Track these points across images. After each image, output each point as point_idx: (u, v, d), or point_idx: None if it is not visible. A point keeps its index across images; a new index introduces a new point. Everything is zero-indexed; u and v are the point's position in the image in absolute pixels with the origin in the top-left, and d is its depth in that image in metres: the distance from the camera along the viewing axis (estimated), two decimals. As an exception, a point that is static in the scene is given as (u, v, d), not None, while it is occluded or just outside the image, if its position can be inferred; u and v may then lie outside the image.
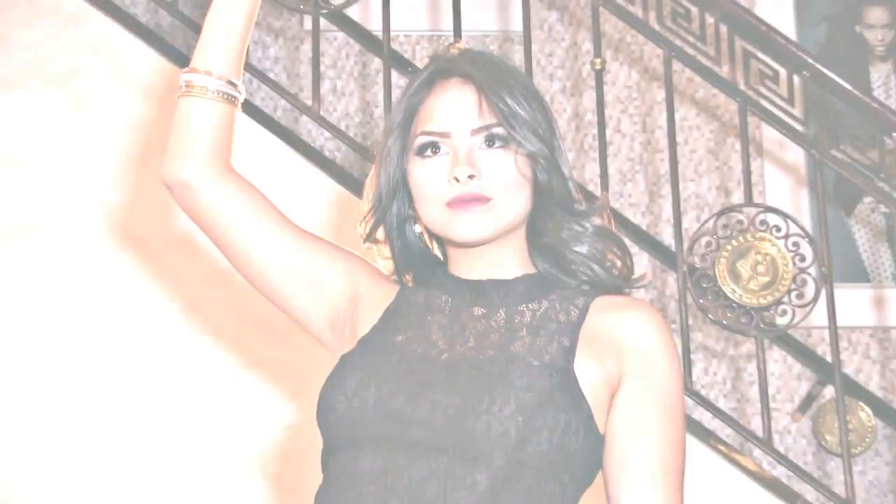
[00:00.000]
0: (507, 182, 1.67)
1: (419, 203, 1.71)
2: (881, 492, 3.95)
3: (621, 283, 1.73)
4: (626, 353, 1.63)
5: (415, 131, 1.72)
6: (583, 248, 1.72)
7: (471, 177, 1.65)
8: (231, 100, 1.76)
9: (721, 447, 3.04)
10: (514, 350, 1.62)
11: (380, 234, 1.79)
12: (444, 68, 1.74)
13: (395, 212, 1.77)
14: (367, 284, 1.79)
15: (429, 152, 1.70)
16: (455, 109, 1.70)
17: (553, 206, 1.72)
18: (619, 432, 1.60)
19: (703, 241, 3.09)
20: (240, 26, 1.79)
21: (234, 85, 1.77)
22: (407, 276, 1.80)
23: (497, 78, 1.70)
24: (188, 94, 1.75)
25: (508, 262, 1.73)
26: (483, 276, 1.72)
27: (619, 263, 1.74)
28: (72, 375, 3.10)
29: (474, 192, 1.65)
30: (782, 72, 3.16)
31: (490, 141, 1.68)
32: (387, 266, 1.82)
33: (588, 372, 1.60)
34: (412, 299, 1.75)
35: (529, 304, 1.69)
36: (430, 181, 1.69)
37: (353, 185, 3.10)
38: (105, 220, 3.19)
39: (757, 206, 3.13)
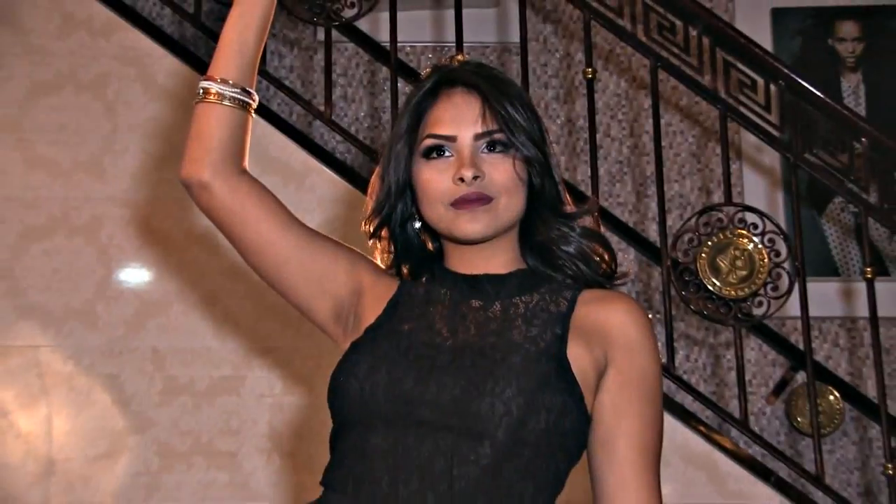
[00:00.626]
0: (506, 184, 1.70)
1: (424, 202, 1.73)
2: (848, 469, 3.94)
3: (604, 280, 1.75)
4: (611, 342, 1.65)
5: (422, 135, 1.73)
6: (570, 248, 1.74)
7: (475, 178, 1.67)
8: (245, 106, 1.76)
9: (701, 427, 3.04)
10: (513, 338, 1.63)
11: (384, 231, 1.80)
12: (448, 78, 1.76)
13: (399, 211, 1.78)
14: (369, 279, 1.79)
15: (434, 154, 1.71)
16: (460, 116, 1.71)
17: (544, 208, 1.75)
18: (603, 414, 1.62)
19: (686, 237, 3.08)
20: (254, 39, 1.79)
21: (248, 93, 1.76)
22: (404, 270, 1.82)
23: (498, 88, 1.72)
24: (205, 101, 1.74)
25: (502, 258, 1.75)
26: (479, 270, 1.74)
27: (606, 258, 1.75)
28: (104, 357, 3.10)
29: (478, 191, 1.68)
30: (760, 81, 3.15)
31: (492, 146, 1.70)
32: (384, 259, 1.84)
33: (579, 358, 1.62)
34: (413, 292, 1.76)
35: (522, 297, 1.70)
36: (435, 181, 1.70)
37: (362, 183, 3.10)
38: (132, 216, 3.18)
39: (736, 205, 3.13)
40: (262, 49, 1.82)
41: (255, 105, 1.78)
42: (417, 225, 1.80)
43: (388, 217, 1.78)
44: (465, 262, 1.76)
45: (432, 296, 1.74)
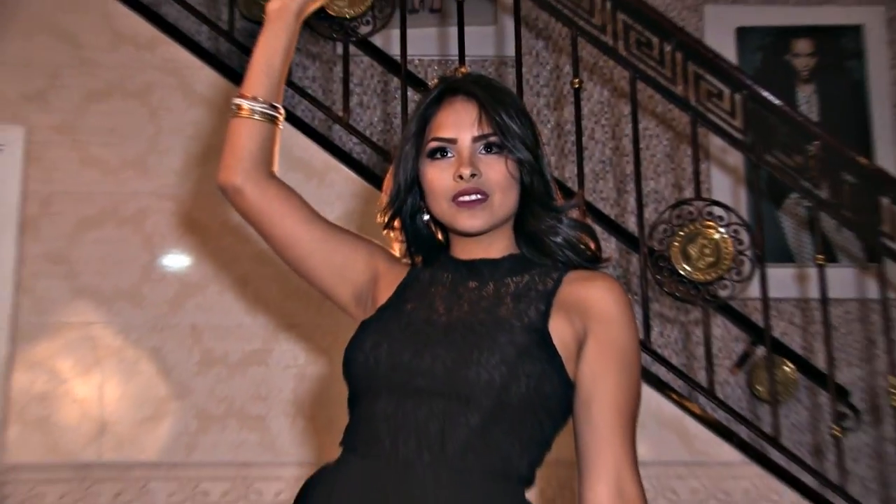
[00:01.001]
0: (500, 182, 1.69)
1: (430, 197, 1.73)
2: (801, 431, 3.96)
3: (588, 264, 1.73)
4: (591, 315, 1.63)
5: (427, 138, 1.73)
6: (558, 237, 1.73)
7: (473, 175, 1.67)
8: (273, 119, 1.77)
9: (673, 395, 3.04)
10: (501, 314, 1.64)
11: (396, 222, 1.80)
12: (451, 88, 1.75)
13: (409, 204, 1.78)
14: (384, 266, 1.81)
15: (438, 155, 1.71)
16: (460, 121, 1.71)
17: (535, 203, 1.74)
18: (584, 379, 1.60)
19: (661, 228, 3.08)
20: (280, 61, 1.80)
21: (275, 107, 1.78)
22: (417, 258, 1.82)
23: (494, 97, 1.71)
24: (238, 116, 1.76)
25: (498, 246, 1.75)
26: (477, 256, 1.75)
27: (591, 245, 1.74)
28: (148, 332, 3.10)
29: (475, 186, 1.67)
30: (726, 91, 3.15)
31: (488, 148, 1.70)
32: (400, 248, 1.83)
33: (560, 330, 1.61)
34: (420, 277, 1.77)
35: (513, 278, 1.71)
36: (438, 178, 1.70)
37: (376, 181, 3.08)
38: (174, 209, 3.18)
39: (704, 200, 3.13)
40: (287, 69, 1.83)
41: (282, 118, 1.79)
42: (426, 217, 1.79)
43: (400, 210, 1.78)
44: (467, 250, 1.76)
45: (435, 279, 1.75)
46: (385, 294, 1.77)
